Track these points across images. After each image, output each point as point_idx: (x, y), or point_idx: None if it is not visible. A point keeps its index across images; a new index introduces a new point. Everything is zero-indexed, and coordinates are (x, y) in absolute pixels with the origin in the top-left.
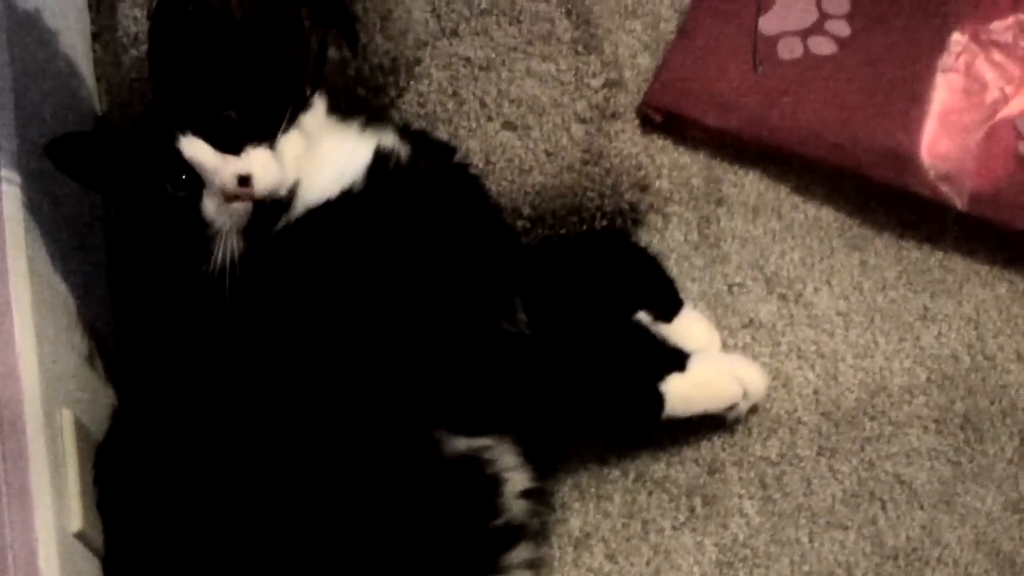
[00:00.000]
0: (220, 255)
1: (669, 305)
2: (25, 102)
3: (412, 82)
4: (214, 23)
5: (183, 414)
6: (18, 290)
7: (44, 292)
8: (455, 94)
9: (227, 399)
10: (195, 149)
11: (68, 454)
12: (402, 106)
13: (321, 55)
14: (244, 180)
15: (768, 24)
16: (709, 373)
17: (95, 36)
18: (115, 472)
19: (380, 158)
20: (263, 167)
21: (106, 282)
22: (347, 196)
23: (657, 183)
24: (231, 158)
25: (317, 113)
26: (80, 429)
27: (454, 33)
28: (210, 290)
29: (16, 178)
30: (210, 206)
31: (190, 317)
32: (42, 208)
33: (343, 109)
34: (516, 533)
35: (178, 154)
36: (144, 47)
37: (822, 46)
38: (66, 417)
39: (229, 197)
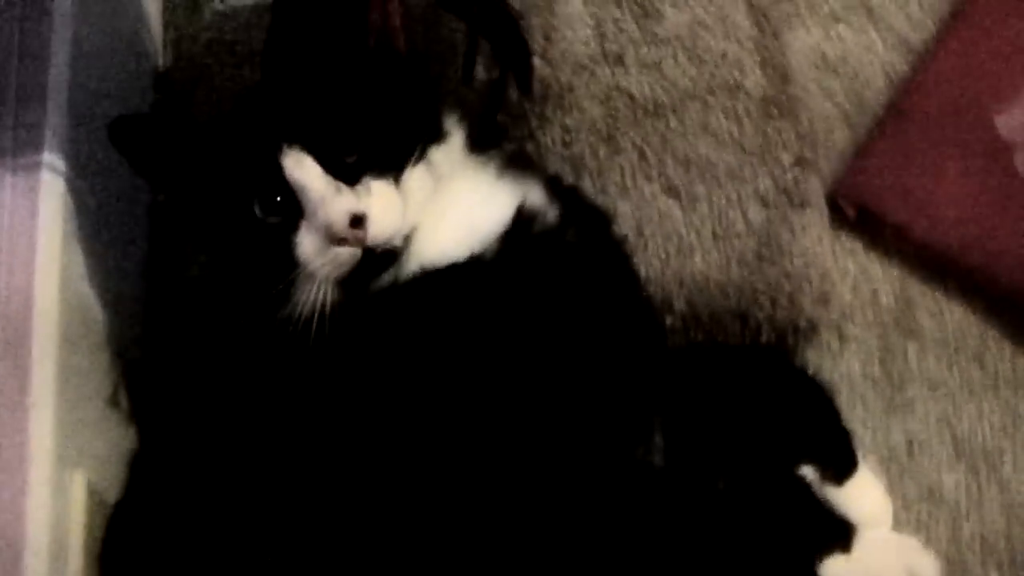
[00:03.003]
0: (306, 303)
1: (842, 463)
2: (80, 44)
3: (559, 113)
4: (366, 39)
5: (222, 476)
6: (45, 318)
7: (74, 317)
8: (610, 138)
9: (279, 464)
10: (303, 170)
11: (74, 535)
12: (543, 139)
13: (497, 99)
14: (357, 220)
15: (1007, 125)
16: (878, 562)
17: None
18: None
19: (523, 220)
20: (383, 209)
21: (143, 295)
22: (475, 262)
23: (839, 295)
24: (346, 189)
25: (453, 147)
26: (92, 497)
27: (619, 61)
28: (280, 337)
29: (60, 165)
30: (306, 243)
31: (245, 359)
32: (86, 207)
33: (478, 140)
34: None
35: (278, 170)
36: (232, 1)
37: None
38: (77, 484)
39: (334, 238)
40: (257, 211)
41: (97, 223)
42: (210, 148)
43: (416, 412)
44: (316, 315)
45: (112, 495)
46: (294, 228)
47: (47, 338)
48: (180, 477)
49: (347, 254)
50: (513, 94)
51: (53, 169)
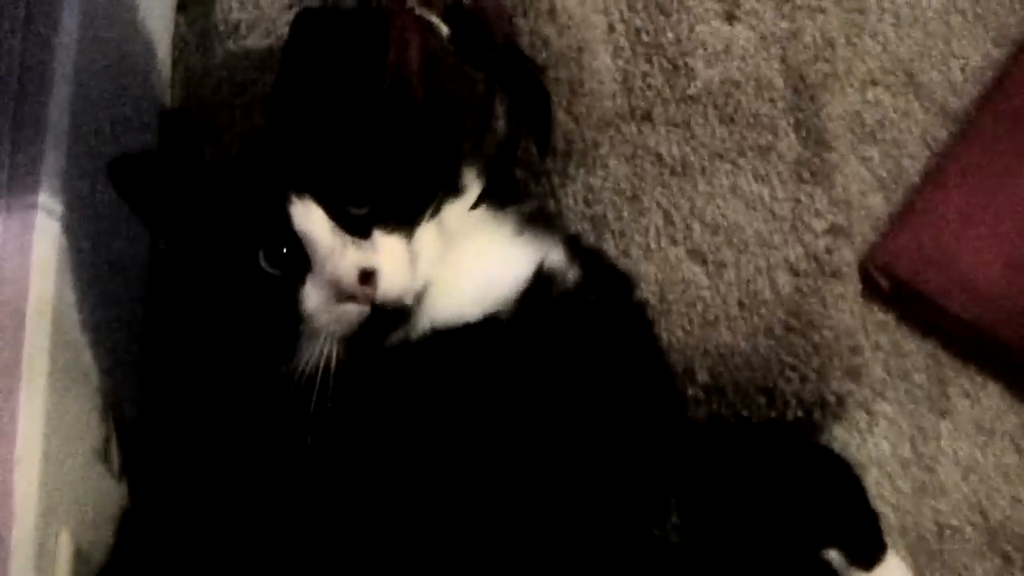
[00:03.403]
0: (310, 360)
1: (869, 547)
2: (83, 78)
3: (583, 170)
4: (382, 84)
5: (217, 541)
6: (33, 367)
7: (65, 366)
8: (634, 198)
9: (278, 531)
10: (311, 220)
11: None
12: (564, 197)
13: (511, 150)
14: (367, 276)
15: None
16: None
17: (181, 7)
18: None
19: (541, 281)
20: (394, 265)
21: (140, 346)
22: (490, 323)
23: (870, 370)
24: (355, 243)
25: (467, 202)
26: (78, 558)
27: (646, 118)
28: (282, 395)
29: (56, 207)
30: (312, 298)
31: (245, 417)
32: (82, 252)
33: (497, 196)
34: None
35: (285, 220)
36: (245, 42)
37: None
38: (63, 544)
39: (341, 294)
40: (262, 262)
41: (93, 269)
42: (215, 193)
43: (422, 480)
44: (320, 373)
45: (98, 555)
46: (300, 281)
47: (36, 389)
48: (171, 541)
49: (355, 311)
50: (532, 149)
51: (48, 211)
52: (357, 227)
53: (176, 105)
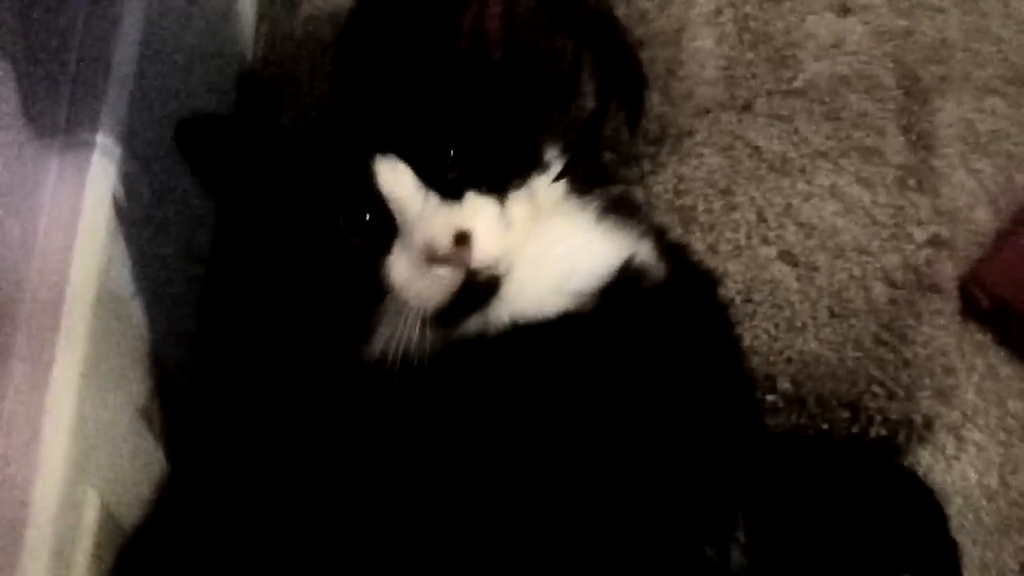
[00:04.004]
0: (391, 340)
1: None
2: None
3: (675, 158)
4: (458, 44)
5: (262, 521)
6: (75, 313)
7: (109, 317)
8: (727, 191)
9: (332, 516)
10: (399, 181)
11: (79, 561)
12: (653, 186)
13: (595, 126)
14: (461, 238)
15: None
16: None
17: None
18: None
19: (628, 276)
20: (489, 228)
21: (196, 308)
22: (569, 320)
23: (962, 393)
24: (449, 203)
25: (552, 178)
26: (105, 520)
27: (747, 108)
28: (355, 375)
29: (115, 148)
30: (399, 267)
31: (308, 395)
32: (138, 198)
33: (581, 178)
34: None
35: (369, 182)
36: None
37: None
38: (91, 502)
39: (433, 258)
40: (343, 229)
41: (150, 218)
42: (290, 158)
43: (485, 476)
44: (399, 357)
45: (129, 518)
46: (384, 250)
47: (75, 335)
48: (211, 515)
49: (447, 278)
50: (623, 131)
51: (106, 152)
52: (448, 189)
53: (258, 62)
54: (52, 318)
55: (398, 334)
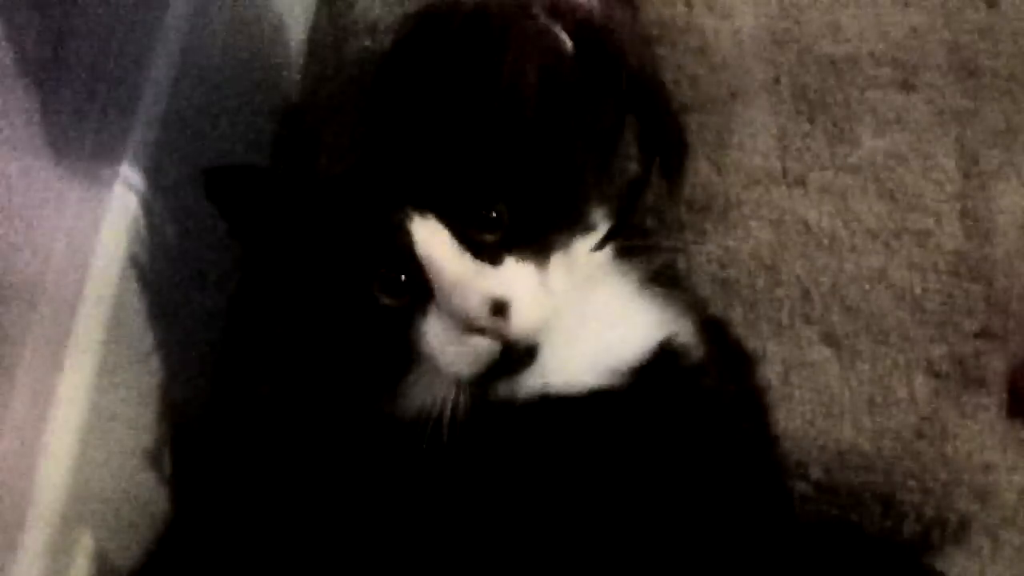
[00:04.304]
0: (424, 402)
1: None
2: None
3: (721, 229)
4: (494, 93)
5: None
6: (81, 346)
7: (119, 352)
8: (772, 267)
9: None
10: (435, 242)
11: None
12: (696, 256)
13: (638, 191)
14: (499, 307)
15: None
16: None
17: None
18: None
19: (665, 357)
20: (529, 295)
21: (214, 356)
22: (600, 396)
23: (1001, 494)
24: (485, 269)
25: (594, 242)
26: (98, 565)
27: (800, 183)
28: (383, 436)
29: (138, 182)
30: (434, 332)
31: (328, 453)
32: (160, 236)
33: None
34: None
35: (405, 241)
36: (381, 42)
37: None
38: (83, 545)
39: (469, 327)
40: (376, 289)
41: (170, 257)
42: (323, 212)
43: (501, 543)
44: (433, 418)
45: (123, 560)
46: (419, 313)
47: (82, 365)
48: (215, 564)
49: (483, 348)
50: (667, 198)
51: (128, 184)
52: (487, 252)
53: (302, 101)
54: (60, 346)
55: (431, 395)
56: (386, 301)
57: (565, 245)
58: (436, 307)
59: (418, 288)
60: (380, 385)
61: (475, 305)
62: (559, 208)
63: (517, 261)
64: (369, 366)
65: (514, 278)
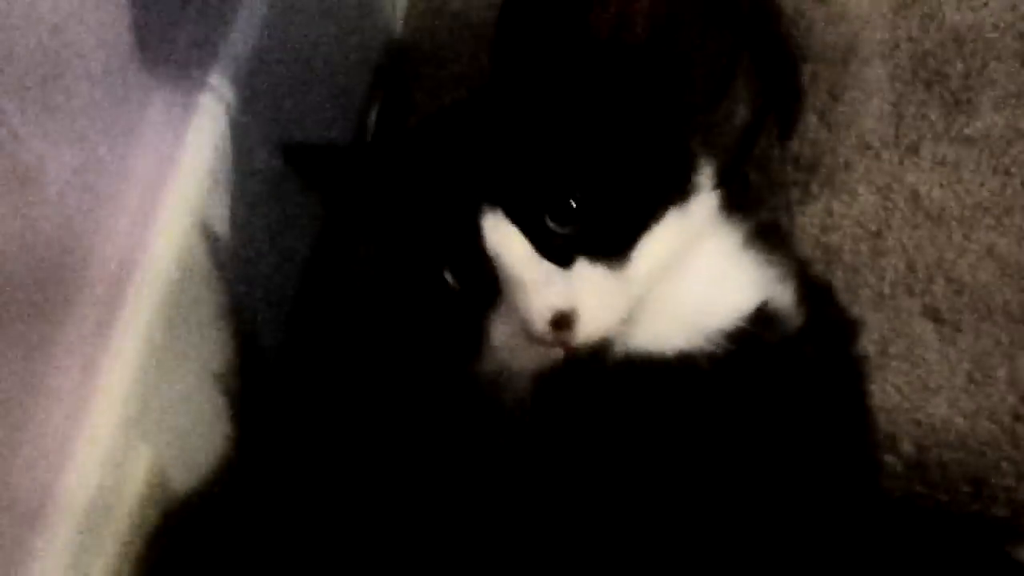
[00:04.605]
0: (495, 372)
1: None
2: None
3: (827, 191)
4: (599, 30)
5: (334, 515)
6: (159, 254)
7: (195, 268)
8: (878, 235)
9: (411, 528)
10: (504, 240)
11: (117, 519)
12: (799, 216)
13: (749, 141)
14: (565, 320)
15: None
16: None
17: None
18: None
19: (763, 320)
20: (597, 305)
21: (296, 282)
22: (690, 362)
23: None
24: (555, 273)
25: (699, 208)
26: (154, 481)
27: (912, 150)
28: (459, 389)
29: (228, 93)
30: (500, 330)
31: (401, 396)
32: (247, 152)
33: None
34: None
35: (476, 234)
36: None
37: None
38: (142, 460)
39: (532, 337)
40: (447, 276)
41: (257, 177)
42: (398, 195)
43: (573, 512)
44: (498, 405)
45: (182, 487)
46: (489, 306)
47: (154, 277)
48: (276, 502)
49: (546, 354)
50: (776, 152)
51: (218, 95)
52: (557, 253)
53: (405, 35)
54: (132, 256)
55: (498, 386)
56: (457, 289)
57: (658, 220)
58: (503, 304)
59: (488, 282)
60: (456, 350)
61: (538, 319)
62: (651, 189)
63: (590, 262)
64: (446, 335)
65: (582, 285)
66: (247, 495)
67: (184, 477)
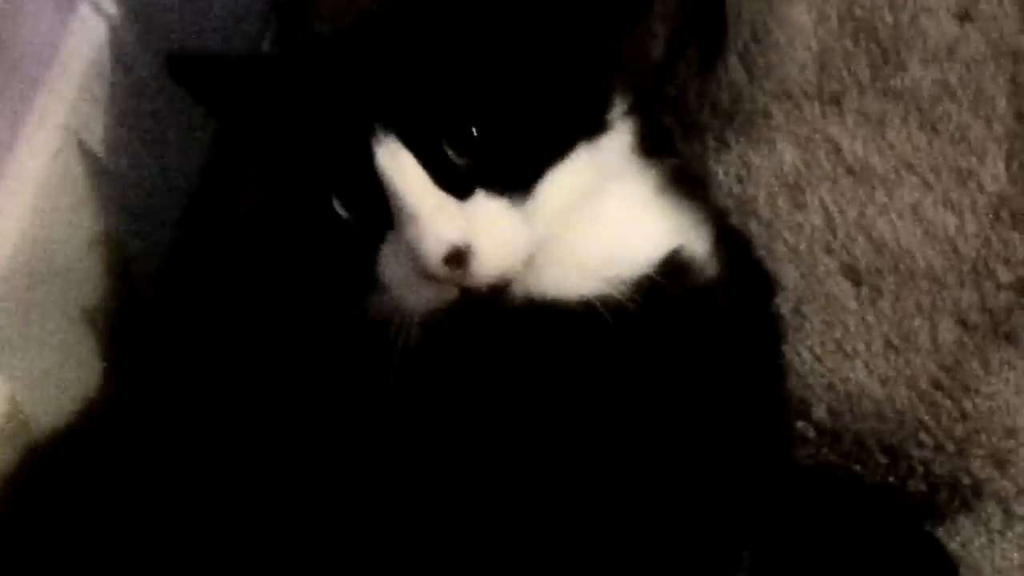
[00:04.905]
0: (382, 314)
1: None
2: None
3: (743, 140)
4: None
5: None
6: (21, 180)
7: (63, 191)
8: (796, 188)
9: (285, 471)
10: (398, 167)
11: None
12: (714, 166)
13: (667, 68)
14: (460, 255)
15: None
16: None
17: None
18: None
19: (674, 269)
20: (495, 242)
21: (178, 214)
22: (593, 307)
23: (1021, 462)
24: (452, 205)
25: (612, 146)
26: (12, 415)
27: (835, 102)
28: (340, 331)
29: (108, 5)
30: (391, 264)
31: (284, 338)
32: (129, 67)
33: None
34: None
35: (367, 159)
36: None
37: None
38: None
39: (424, 274)
40: (336, 204)
41: (138, 96)
42: (286, 108)
43: (470, 457)
44: (392, 331)
45: (40, 427)
46: (378, 238)
47: (18, 201)
48: (150, 445)
49: (439, 293)
50: (693, 96)
51: (96, 7)
52: (455, 183)
53: None
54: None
55: (390, 313)
56: (344, 216)
57: (564, 158)
58: (394, 236)
59: (378, 211)
60: (341, 288)
61: (431, 253)
62: (560, 120)
63: (491, 195)
64: (332, 271)
65: (481, 219)
66: (117, 433)
67: (48, 415)
